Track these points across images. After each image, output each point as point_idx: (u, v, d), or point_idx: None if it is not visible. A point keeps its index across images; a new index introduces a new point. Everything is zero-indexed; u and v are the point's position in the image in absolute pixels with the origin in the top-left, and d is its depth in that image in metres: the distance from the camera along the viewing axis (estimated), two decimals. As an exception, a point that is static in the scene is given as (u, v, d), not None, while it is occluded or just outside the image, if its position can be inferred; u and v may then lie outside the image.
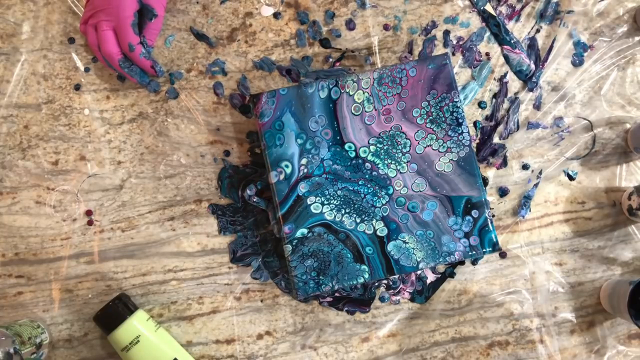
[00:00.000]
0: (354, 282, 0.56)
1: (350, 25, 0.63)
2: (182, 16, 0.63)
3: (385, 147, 0.57)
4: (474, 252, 0.57)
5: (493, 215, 0.63)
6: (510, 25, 0.64)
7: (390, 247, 0.56)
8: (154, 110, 0.63)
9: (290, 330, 0.61)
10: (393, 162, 0.57)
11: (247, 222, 0.62)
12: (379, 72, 0.57)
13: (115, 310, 0.57)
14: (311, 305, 0.61)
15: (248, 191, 0.60)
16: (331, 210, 0.57)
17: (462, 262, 0.62)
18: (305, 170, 0.57)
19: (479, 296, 0.62)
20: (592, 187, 0.63)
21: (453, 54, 0.64)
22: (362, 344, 0.61)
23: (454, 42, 0.64)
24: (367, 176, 0.57)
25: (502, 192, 0.63)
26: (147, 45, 0.60)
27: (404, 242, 0.56)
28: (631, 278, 0.60)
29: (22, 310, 0.60)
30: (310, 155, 0.57)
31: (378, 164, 0.57)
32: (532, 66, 0.64)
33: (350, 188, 0.57)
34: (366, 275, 0.56)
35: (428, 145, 0.57)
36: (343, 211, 0.57)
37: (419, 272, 0.62)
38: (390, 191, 0.57)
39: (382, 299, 0.62)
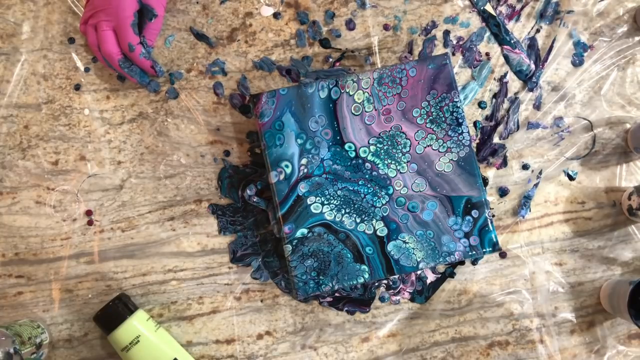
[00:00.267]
0: (354, 282, 0.56)
1: (350, 25, 0.63)
2: (182, 16, 0.63)
3: (385, 147, 0.57)
4: (474, 252, 0.57)
5: (493, 215, 0.63)
6: (510, 25, 0.64)
7: (390, 247, 0.56)
8: (154, 110, 0.63)
9: (290, 330, 0.61)
10: (393, 162, 0.57)
11: (247, 222, 0.62)
12: (379, 72, 0.57)
13: (115, 310, 0.57)
14: (311, 305, 0.61)
15: (248, 191, 0.60)
16: (331, 210, 0.57)
17: (462, 262, 0.62)
18: (305, 170, 0.57)
19: (479, 296, 0.62)
20: (592, 187, 0.63)
21: (453, 54, 0.64)
22: (362, 344, 0.61)
23: (454, 42, 0.64)
24: (367, 176, 0.57)
25: (502, 192, 0.63)
26: (147, 45, 0.60)
27: (404, 242, 0.56)
28: (631, 278, 0.60)
29: (22, 310, 0.60)
30: (310, 155, 0.57)
31: (378, 164, 0.57)
32: (532, 66, 0.64)
33: (350, 188, 0.57)
34: (366, 275, 0.56)
35: (428, 145, 0.57)
36: (343, 211, 0.57)
37: (419, 272, 0.62)
38: (390, 191, 0.57)
39: (382, 299, 0.62)
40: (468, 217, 0.57)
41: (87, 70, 0.63)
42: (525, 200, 0.63)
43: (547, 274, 0.62)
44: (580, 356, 0.62)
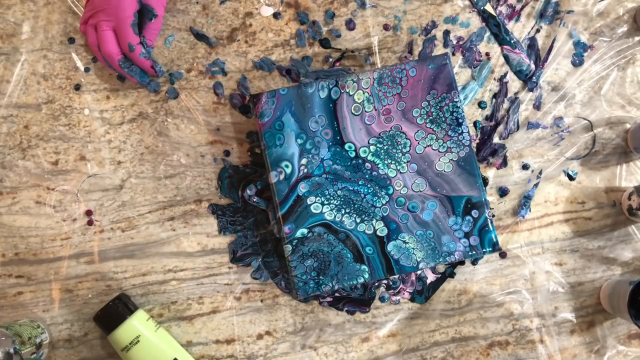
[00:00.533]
0: (354, 282, 0.56)
1: (350, 25, 0.63)
2: (182, 16, 0.63)
3: (385, 147, 0.57)
4: (474, 252, 0.57)
5: (493, 215, 0.63)
6: (510, 25, 0.64)
7: (390, 247, 0.56)
8: (154, 110, 0.63)
9: (290, 330, 0.61)
10: (393, 162, 0.57)
11: (247, 222, 0.62)
12: (379, 72, 0.57)
13: (115, 310, 0.57)
14: (311, 305, 0.61)
15: (248, 191, 0.60)
16: (331, 210, 0.57)
17: (462, 262, 0.62)
18: (305, 170, 0.57)
19: (479, 296, 0.62)
20: (592, 187, 0.63)
21: (453, 54, 0.64)
22: (362, 344, 0.61)
23: (454, 42, 0.64)
24: (367, 176, 0.57)
25: (502, 192, 0.63)
26: (147, 46, 0.60)
27: (404, 242, 0.56)
28: (631, 278, 0.60)
29: (22, 310, 0.60)
30: (310, 155, 0.57)
31: (378, 164, 0.57)
32: (532, 66, 0.64)
33: (350, 188, 0.57)
34: (366, 275, 0.56)
35: (428, 145, 0.57)
36: (343, 211, 0.57)
37: (419, 272, 0.62)
38: (390, 191, 0.57)
39: (382, 299, 0.62)
40: (468, 217, 0.57)
41: (87, 70, 0.63)
42: (525, 200, 0.63)
43: (547, 274, 0.62)
44: (580, 356, 0.62)
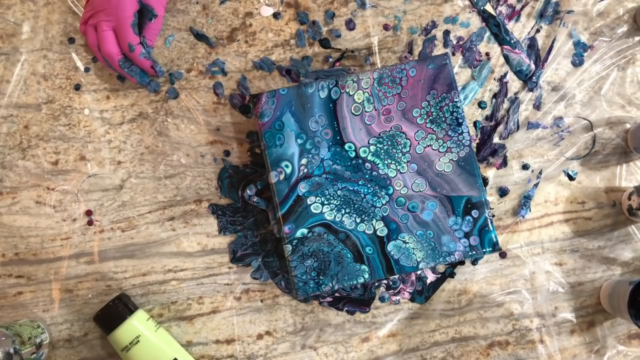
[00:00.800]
0: (354, 282, 0.56)
1: (350, 25, 0.63)
2: (182, 16, 0.63)
3: (385, 147, 0.57)
4: (474, 252, 0.57)
5: (493, 215, 0.63)
6: (510, 25, 0.64)
7: (390, 247, 0.56)
8: (154, 110, 0.63)
9: (290, 330, 0.61)
10: (393, 162, 0.57)
11: (247, 222, 0.62)
12: (379, 72, 0.57)
13: (115, 310, 0.57)
14: (311, 305, 0.61)
15: (248, 191, 0.60)
16: (331, 210, 0.57)
17: (462, 262, 0.62)
18: (305, 170, 0.57)
19: (479, 296, 0.62)
20: (592, 187, 0.63)
21: (453, 54, 0.64)
22: (362, 344, 0.61)
23: (454, 42, 0.64)
24: (367, 176, 0.57)
25: (502, 192, 0.63)
26: (146, 46, 0.60)
27: (404, 242, 0.56)
28: (631, 278, 0.60)
29: (22, 310, 0.60)
30: (310, 155, 0.57)
31: (378, 164, 0.57)
32: (532, 66, 0.64)
33: (350, 188, 0.57)
34: (366, 275, 0.56)
35: (428, 145, 0.57)
36: (343, 211, 0.57)
37: (419, 272, 0.62)
38: (390, 191, 0.57)
39: (382, 299, 0.62)
40: (468, 217, 0.57)
41: (87, 70, 0.63)
42: (525, 200, 0.63)
43: (547, 274, 0.62)
44: (580, 356, 0.62)
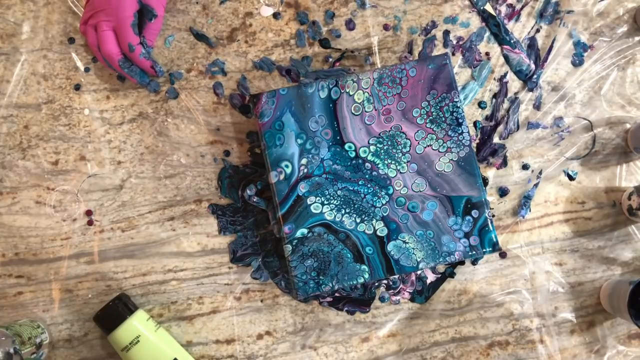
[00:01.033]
0: (354, 282, 0.56)
1: (350, 25, 0.63)
2: (182, 16, 0.63)
3: (385, 147, 0.57)
4: (474, 252, 0.57)
5: (493, 215, 0.63)
6: (510, 25, 0.64)
7: (390, 247, 0.56)
8: (154, 110, 0.63)
9: (290, 330, 0.61)
10: (393, 162, 0.57)
11: (247, 222, 0.62)
12: (379, 72, 0.57)
13: (115, 310, 0.57)
14: (311, 305, 0.61)
15: (248, 191, 0.60)
16: (331, 210, 0.57)
17: (462, 262, 0.62)
18: (305, 170, 0.57)
19: (479, 296, 0.62)
20: (592, 187, 0.63)
21: (453, 54, 0.64)
22: (362, 344, 0.61)
23: (454, 42, 0.64)
24: (367, 176, 0.57)
25: (502, 192, 0.63)
26: (146, 46, 0.60)
27: (404, 242, 0.56)
28: (631, 278, 0.60)
29: (22, 310, 0.60)
30: (310, 155, 0.57)
31: (378, 164, 0.57)
32: (532, 66, 0.64)
33: (350, 188, 0.57)
34: (366, 275, 0.56)
35: (428, 145, 0.57)
36: (343, 211, 0.57)
37: (419, 272, 0.62)
38: (390, 191, 0.57)
39: (382, 299, 0.62)
40: (468, 217, 0.57)
41: (87, 70, 0.63)
42: (525, 200, 0.63)
43: (547, 274, 0.62)
44: (580, 356, 0.62)
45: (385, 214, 0.57)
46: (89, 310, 0.60)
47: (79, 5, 0.63)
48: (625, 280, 0.59)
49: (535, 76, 0.64)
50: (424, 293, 0.62)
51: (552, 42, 0.64)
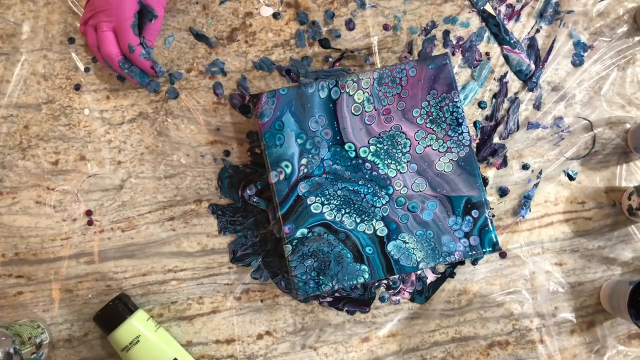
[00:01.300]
0: (354, 282, 0.56)
1: (350, 25, 0.63)
2: (182, 16, 0.63)
3: (385, 147, 0.57)
4: (474, 252, 0.57)
5: (493, 215, 0.63)
6: (510, 25, 0.64)
7: (390, 247, 0.56)
8: (154, 110, 0.63)
9: (290, 330, 0.61)
10: (393, 162, 0.57)
11: (247, 222, 0.62)
12: (379, 72, 0.57)
13: (115, 310, 0.57)
14: (311, 305, 0.61)
15: (248, 191, 0.60)
16: (331, 210, 0.57)
17: (462, 262, 0.62)
18: (305, 170, 0.57)
19: (479, 296, 0.62)
20: (592, 187, 0.63)
21: (453, 54, 0.64)
22: (362, 344, 0.61)
23: (454, 42, 0.64)
24: (367, 176, 0.57)
25: (502, 192, 0.63)
26: (146, 46, 0.60)
27: (404, 242, 0.56)
28: (631, 278, 0.60)
29: (22, 310, 0.60)
30: (310, 155, 0.57)
31: (378, 164, 0.57)
32: (532, 66, 0.64)
33: (350, 188, 0.57)
34: (366, 275, 0.56)
35: (428, 145, 0.57)
36: (343, 211, 0.57)
37: (419, 272, 0.62)
38: (390, 191, 0.57)
39: (382, 299, 0.62)
40: (468, 217, 0.57)
41: (87, 70, 0.63)
42: (525, 200, 0.63)
43: (547, 274, 0.62)
44: (580, 356, 0.62)
45: (385, 214, 0.57)
46: (89, 310, 0.60)
47: (79, 5, 0.63)
48: (625, 280, 0.59)
49: (535, 76, 0.63)
50: (424, 293, 0.62)
51: (552, 42, 0.64)
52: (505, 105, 0.64)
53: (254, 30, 0.63)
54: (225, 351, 0.61)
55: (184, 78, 0.63)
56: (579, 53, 0.64)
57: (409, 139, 0.57)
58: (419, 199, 0.57)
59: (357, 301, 0.61)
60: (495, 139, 0.63)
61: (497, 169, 0.63)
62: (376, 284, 0.62)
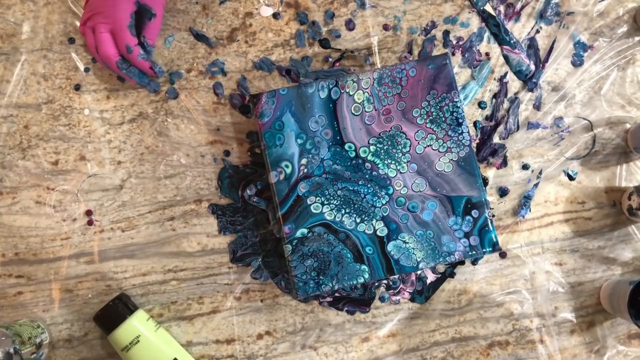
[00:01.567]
0: (354, 282, 0.56)
1: (350, 25, 0.63)
2: (182, 16, 0.63)
3: (385, 147, 0.57)
4: (474, 252, 0.57)
5: (493, 215, 0.63)
6: (510, 25, 0.64)
7: (390, 247, 0.56)
8: (154, 110, 0.63)
9: (290, 330, 0.61)
10: (393, 162, 0.57)
11: (247, 222, 0.62)
12: (379, 72, 0.57)
13: (115, 310, 0.57)
14: (311, 305, 0.61)
15: (248, 191, 0.60)
16: (331, 210, 0.57)
17: (462, 262, 0.62)
18: (305, 170, 0.57)
19: (479, 296, 0.62)
20: (592, 187, 0.63)
21: (453, 54, 0.64)
22: (362, 344, 0.61)
23: (454, 42, 0.64)
24: (367, 176, 0.57)
25: (502, 192, 0.63)
26: (148, 45, 0.60)
27: (404, 242, 0.56)
28: (631, 278, 0.60)
29: (22, 310, 0.60)
30: (310, 155, 0.57)
31: (378, 164, 0.57)
32: (532, 66, 0.64)
33: (350, 188, 0.57)
34: (366, 275, 0.56)
35: (428, 145, 0.57)
36: (343, 211, 0.57)
37: (419, 272, 0.62)
38: (390, 191, 0.57)
39: (382, 299, 0.62)
40: (468, 217, 0.57)
41: (87, 70, 0.63)
42: (525, 200, 0.63)
43: (547, 274, 0.62)
44: (580, 356, 0.62)
45: (385, 214, 0.57)
46: (89, 310, 0.60)
47: (79, 5, 0.63)
48: (625, 280, 0.59)
49: (535, 76, 0.63)
50: (424, 293, 0.62)
51: (553, 43, 0.64)
52: (505, 105, 0.64)
53: (254, 31, 0.63)
54: (225, 351, 0.61)
55: (184, 78, 0.63)
56: (579, 53, 0.64)
57: (409, 139, 0.57)
58: (419, 199, 0.57)
59: (357, 301, 0.61)
60: (495, 139, 0.63)
61: (497, 169, 0.63)
62: (376, 284, 0.62)
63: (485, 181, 0.63)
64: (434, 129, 0.57)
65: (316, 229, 0.57)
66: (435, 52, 0.64)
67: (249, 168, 0.62)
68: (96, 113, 0.62)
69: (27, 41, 0.62)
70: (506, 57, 0.64)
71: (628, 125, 0.64)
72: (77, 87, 0.62)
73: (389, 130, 0.57)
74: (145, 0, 0.58)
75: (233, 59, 0.63)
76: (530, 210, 0.63)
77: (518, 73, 0.64)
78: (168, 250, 0.61)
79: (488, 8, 0.64)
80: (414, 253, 0.56)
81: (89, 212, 0.61)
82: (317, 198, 0.57)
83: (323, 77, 0.62)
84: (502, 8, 0.64)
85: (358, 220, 0.57)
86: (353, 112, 0.57)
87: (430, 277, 0.62)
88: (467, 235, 0.57)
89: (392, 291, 0.62)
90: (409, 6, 0.64)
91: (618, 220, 0.63)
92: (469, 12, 0.64)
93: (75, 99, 0.62)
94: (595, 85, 0.64)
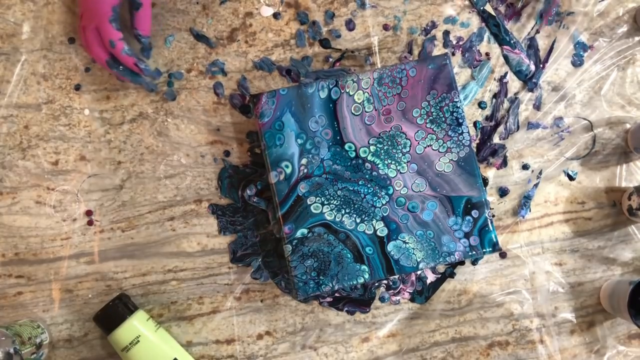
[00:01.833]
0: (354, 282, 0.56)
1: (350, 25, 0.63)
2: (182, 16, 0.63)
3: (385, 147, 0.57)
4: (474, 252, 0.57)
5: (493, 216, 0.63)
6: (510, 25, 0.64)
7: (390, 247, 0.56)
8: (154, 110, 0.63)
9: (290, 330, 0.61)
10: (393, 162, 0.57)
11: (247, 222, 0.62)
12: (379, 72, 0.57)
13: (115, 310, 0.57)
14: (311, 305, 0.61)
15: (248, 191, 0.60)
16: (331, 210, 0.57)
17: (462, 262, 0.62)
18: (305, 170, 0.57)
19: (479, 296, 0.62)
20: (592, 187, 0.63)
21: (453, 54, 0.64)
22: (362, 344, 0.61)
23: (454, 42, 0.64)
24: (367, 176, 0.57)
25: (502, 192, 0.63)
26: (142, 37, 0.58)
27: (404, 242, 0.56)
28: (631, 278, 0.60)
29: (22, 310, 0.60)
30: (310, 155, 0.57)
31: (378, 164, 0.57)
32: (532, 66, 0.64)
33: (350, 188, 0.57)
34: (366, 276, 0.56)
35: (428, 145, 0.57)
36: (343, 211, 0.57)
37: (419, 272, 0.62)
38: (390, 191, 0.57)
39: (382, 299, 0.62)
40: (468, 217, 0.57)
41: (87, 70, 0.63)
42: (525, 200, 0.63)
43: (547, 274, 0.62)
44: (580, 356, 0.62)
45: (385, 214, 0.57)
46: (89, 310, 0.60)
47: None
48: (625, 280, 0.59)
49: (535, 76, 0.63)
50: (424, 293, 0.62)
51: (553, 43, 0.64)
52: (505, 105, 0.64)
53: (254, 31, 0.63)
54: (225, 351, 0.61)
55: (184, 78, 0.63)
56: (579, 53, 0.64)
57: (409, 139, 0.57)
58: (419, 199, 0.57)
59: (357, 301, 0.61)
60: (495, 139, 0.63)
61: (497, 169, 0.63)
62: (376, 284, 0.62)
63: (485, 181, 0.63)
64: (434, 129, 0.57)
65: (316, 229, 0.57)
66: (435, 52, 0.64)
67: (249, 168, 0.62)
68: (96, 113, 0.62)
69: (27, 41, 0.62)
70: (506, 57, 0.64)
71: (628, 125, 0.64)
72: (77, 87, 0.62)
73: (389, 131, 0.57)
74: None
75: (233, 59, 0.63)
76: (530, 211, 0.63)
77: (518, 73, 0.64)
78: (168, 251, 0.61)
79: (488, 8, 0.64)
80: (414, 253, 0.56)
81: (89, 212, 0.61)
82: (317, 198, 0.57)
83: (323, 77, 0.62)
84: (502, 8, 0.64)
85: (358, 220, 0.57)
86: (353, 112, 0.57)
87: (430, 277, 0.62)
88: (467, 236, 0.57)
89: (392, 291, 0.62)
90: (409, 6, 0.64)
91: (618, 221, 0.63)
92: (469, 12, 0.64)
93: (75, 99, 0.62)
94: (595, 85, 0.64)
